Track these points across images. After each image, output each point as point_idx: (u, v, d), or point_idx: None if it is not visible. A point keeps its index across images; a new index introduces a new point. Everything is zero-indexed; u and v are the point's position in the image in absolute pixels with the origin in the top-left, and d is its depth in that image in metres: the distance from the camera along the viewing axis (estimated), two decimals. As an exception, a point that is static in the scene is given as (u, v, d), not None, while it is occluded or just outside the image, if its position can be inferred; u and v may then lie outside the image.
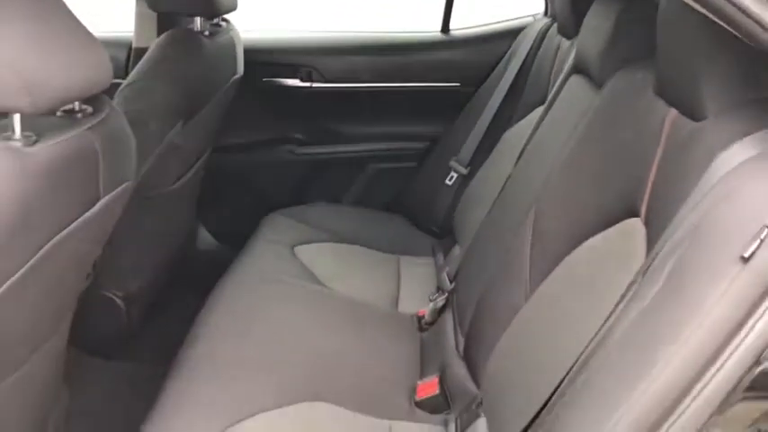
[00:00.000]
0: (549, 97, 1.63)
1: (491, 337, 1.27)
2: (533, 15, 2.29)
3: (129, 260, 1.67)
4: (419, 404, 1.39)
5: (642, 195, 0.99)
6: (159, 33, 1.94)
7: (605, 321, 0.82)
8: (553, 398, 0.84)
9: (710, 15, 0.72)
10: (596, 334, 0.82)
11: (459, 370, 1.39)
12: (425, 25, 2.40)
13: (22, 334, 1.02)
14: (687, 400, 0.63)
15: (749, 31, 0.68)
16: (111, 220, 1.12)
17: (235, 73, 1.86)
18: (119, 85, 1.50)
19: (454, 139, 2.17)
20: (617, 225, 1.05)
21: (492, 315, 1.33)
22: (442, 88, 2.30)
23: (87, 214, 0.99)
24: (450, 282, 1.69)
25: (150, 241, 1.76)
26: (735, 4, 0.67)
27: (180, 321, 1.53)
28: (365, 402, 1.35)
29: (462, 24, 2.38)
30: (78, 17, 0.94)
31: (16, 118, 0.85)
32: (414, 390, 1.42)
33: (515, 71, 2.06)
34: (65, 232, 0.95)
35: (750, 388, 0.63)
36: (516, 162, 1.65)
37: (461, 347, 1.44)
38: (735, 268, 0.64)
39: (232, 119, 2.01)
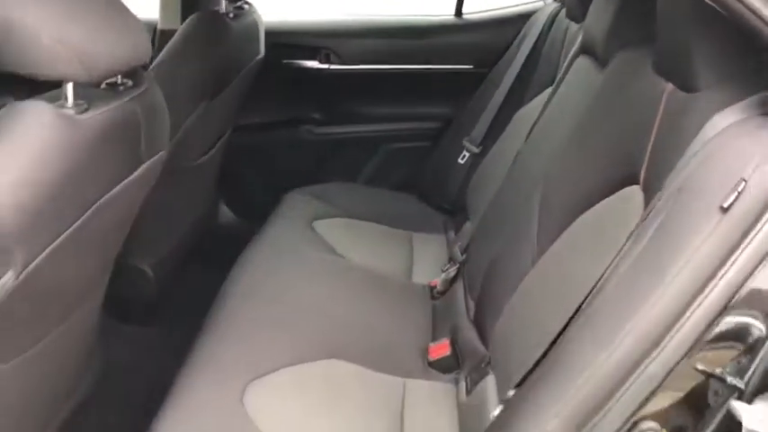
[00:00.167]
0: (558, 78, 1.71)
1: (499, 301, 1.35)
2: (543, 0, 2.36)
3: (156, 232, 1.76)
4: (431, 364, 1.48)
5: (641, 164, 1.07)
6: (184, 16, 2.03)
7: (603, 274, 0.91)
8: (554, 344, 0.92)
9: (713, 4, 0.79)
10: (594, 286, 0.91)
11: (469, 333, 1.48)
12: (438, 9, 2.47)
13: (67, 289, 1.11)
14: (672, 333, 0.71)
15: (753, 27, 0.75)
16: (147, 186, 1.21)
17: (257, 54, 1.95)
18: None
19: (467, 120, 2.25)
20: (618, 192, 1.13)
21: (500, 281, 1.41)
22: (455, 70, 2.37)
23: (130, 178, 1.08)
24: (462, 253, 1.77)
25: (175, 214, 1.85)
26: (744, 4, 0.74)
27: (203, 290, 1.62)
28: (381, 361, 1.44)
29: (475, 8, 2.46)
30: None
31: (69, 87, 0.94)
32: (426, 351, 1.51)
33: (526, 54, 2.13)
34: (110, 194, 1.04)
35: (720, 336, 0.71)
36: (526, 139, 1.73)
37: (471, 312, 1.52)
38: (716, 218, 0.72)
39: (252, 99, 2.09)
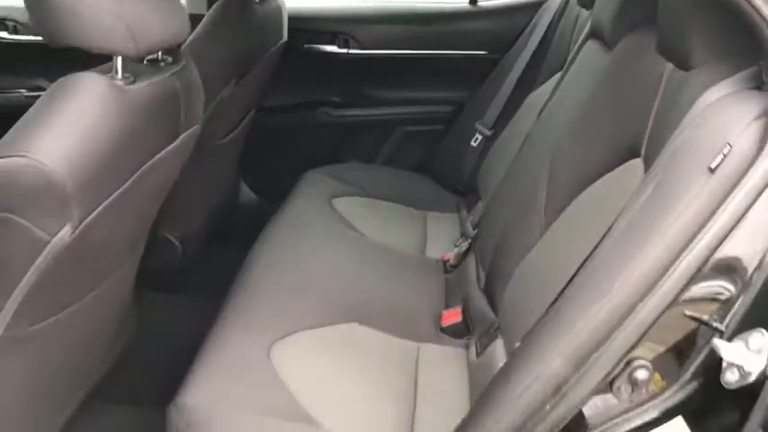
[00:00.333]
0: (568, 62, 1.79)
1: (508, 271, 1.44)
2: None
3: (185, 207, 1.85)
4: (444, 330, 1.57)
5: (642, 138, 1.15)
6: (210, 1, 2.11)
7: (604, 236, 0.99)
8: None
9: None
10: (596, 246, 0.99)
11: (479, 301, 1.56)
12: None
13: (111, 248, 1.21)
14: (661, 282, 0.80)
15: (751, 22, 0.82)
16: (183, 157, 1.30)
17: (280, 38, 2.04)
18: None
19: (480, 104, 2.32)
20: (621, 165, 1.22)
21: (510, 252, 1.49)
22: (469, 56, 2.43)
23: (170, 147, 1.17)
24: (473, 229, 1.86)
25: (202, 191, 1.95)
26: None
27: (227, 262, 1.71)
28: (396, 327, 1.53)
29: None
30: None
31: (119, 60, 1.03)
32: (439, 318, 1.60)
33: (538, 40, 2.20)
34: (153, 160, 1.13)
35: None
36: (536, 121, 1.81)
37: (482, 282, 1.61)
38: (704, 177, 0.80)
39: (274, 82, 2.18)
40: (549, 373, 0.85)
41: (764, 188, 0.78)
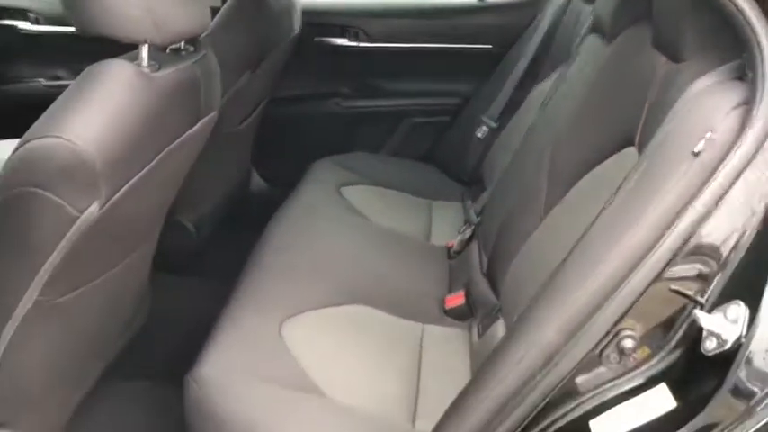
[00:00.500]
0: (570, 55, 1.85)
1: (510, 255, 1.50)
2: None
3: (199, 192, 1.92)
4: (447, 312, 1.64)
5: (637, 127, 1.21)
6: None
7: (597, 217, 1.06)
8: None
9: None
10: (589, 226, 1.05)
11: (482, 285, 1.63)
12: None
13: (133, 226, 1.28)
14: (647, 258, 0.86)
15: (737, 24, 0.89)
16: (201, 141, 1.37)
17: (293, 31, 2.10)
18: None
19: (485, 97, 2.39)
20: (617, 153, 1.28)
21: (511, 237, 1.55)
22: (475, 50, 2.49)
23: (190, 131, 1.24)
24: (477, 216, 1.93)
25: (216, 176, 2.02)
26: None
27: (238, 247, 1.77)
28: (401, 308, 1.60)
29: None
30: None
31: (145, 48, 1.10)
32: (443, 301, 1.67)
33: (542, 35, 2.26)
34: (175, 143, 1.20)
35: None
36: (539, 112, 1.87)
37: (485, 267, 1.68)
38: (687, 162, 0.86)
39: (286, 73, 2.25)
40: (543, 343, 0.92)
41: (743, 172, 0.84)
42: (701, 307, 0.85)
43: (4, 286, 1.09)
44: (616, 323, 0.89)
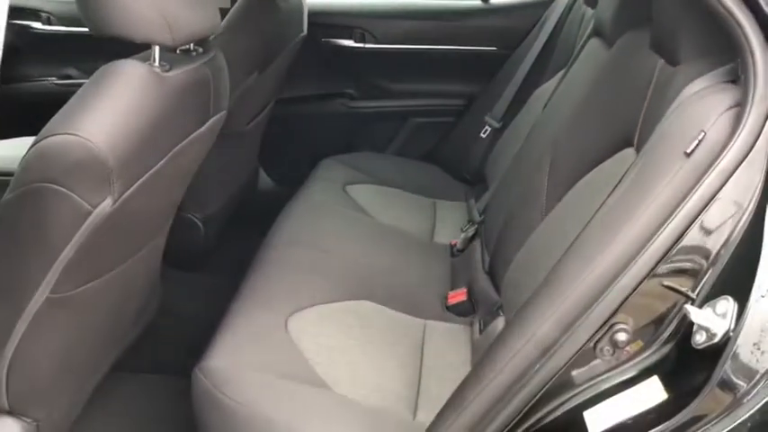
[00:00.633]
0: (572, 58, 1.88)
1: (511, 254, 1.54)
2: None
3: (208, 190, 1.96)
4: (449, 308, 1.67)
5: (635, 129, 1.25)
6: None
7: (594, 215, 1.09)
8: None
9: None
10: (587, 224, 1.08)
11: (484, 283, 1.66)
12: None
13: (144, 222, 1.31)
14: (639, 255, 0.89)
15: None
16: (211, 139, 1.40)
17: (300, 32, 2.14)
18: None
19: (489, 97, 2.42)
20: (616, 154, 1.31)
21: (512, 236, 1.59)
22: (479, 51, 2.52)
23: (200, 130, 1.28)
24: (480, 215, 1.96)
25: (224, 174, 2.05)
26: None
27: (246, 244, 1.82)
28: (404, 304, 1.63)
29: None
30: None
31: (157, 49, 1.13)
32: (445, 298, 1.70)
33: (546, 37, 2.29)
34: (185, 142, 1.24)
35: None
36: (541, 113, 1.90)
37: (487, 265, 1.71)
38: (680, 162, 0.90)
39: (293, 73, 2.28)
40: (539, 335, 0.95)
41: (734, 171, 0.87)
42: (692, 302, 0.88)
43: (19, 280, 1.12)
44: (610, 317, 0.92)
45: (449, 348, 1.55)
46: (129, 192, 1.10)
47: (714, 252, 0.89)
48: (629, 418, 0.91)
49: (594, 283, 0.93)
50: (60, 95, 1.10)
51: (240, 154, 2.14)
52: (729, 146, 0.87)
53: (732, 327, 0.84)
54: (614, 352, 0.93)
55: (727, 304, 0.85)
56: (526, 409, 0.96)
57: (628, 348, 0.92)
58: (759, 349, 0.83)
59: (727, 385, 0.84)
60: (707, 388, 0.85)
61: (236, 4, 1.82)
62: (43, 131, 1.03)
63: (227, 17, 1.78)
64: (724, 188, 0.88)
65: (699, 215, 0.88)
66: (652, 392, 0.90)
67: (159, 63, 1.14)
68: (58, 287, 1.12)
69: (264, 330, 1.43)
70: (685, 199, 0.88)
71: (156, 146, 1.16)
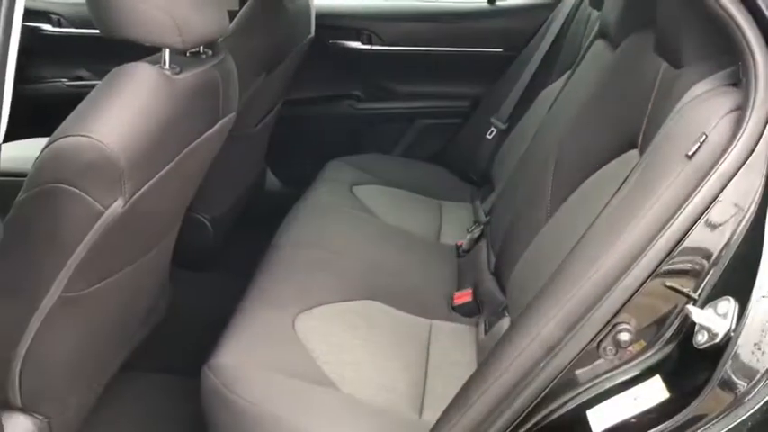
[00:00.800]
0: (577, 59, 1.89)
1: (516, 254, 1.55)
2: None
3: (217, 191, 1.98)
4: (455, 309, 1.68)
5: (639, 131, 1.26)
6: (242, -1, 2.24)
7: (598, 216, 1.10)
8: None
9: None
10: (591, 225, 1.10)
11: (489, 284, 1.67)
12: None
13: (154, 223, 1.33)
14: (642, 256, 0.90)
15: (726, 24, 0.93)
16: (220, 140, 1.42)
17: (308, 34, 2.16)
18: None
19: (495, 99, 2.43)
20: (620, 156, 1.32)
21: (518, 237, 1.60)
22: (486, 53, 2.54)
23: (210, 131, 1.30)
24: (486, 216, 1.97)
25: (233, 175, 2.08)
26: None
27: (253, 244, 1.83)
28: (410, 305, 1.64)
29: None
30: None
31: (167, 52, 1.15)
32: (451, 298, 1.71)
33: (552, 39, 2.30)
34: (194, 143, 1.25)
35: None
36: (546, 115, 1.92)
37: (492, 266, 1.72)
38: (682, 164, 0.91)
39: (301, 75, 2.30)
40: (544, 335, 0.97)
41: (734, 174, 0.88)
42: (694, 302, 0.89)
43: (33, 279, 1.13)
44: (613, 317, 0.93)
45: (454, 348, 1.56)
46: (139, 193, 1.12)
47: (715, 253, 0.90)
48: (632, 417, 0.92)
49: (599, 282, 0.94)
50: (71, 97, 1.12)
51: (248, 155, 2.16)
52: (730, 149, 0.89)
53: (733, 327, 0.85)
54: (617, 351, 0.94)
55: (728, 305, 0.86)
56: (530, 407, 0.97)
57: (630, 348, 0.93)
58: (759, 349, 0.85)
59: (727, 385, 0.85)
60: (708, 387, 0.86)
61: (245, 7, 1.83)
62: (56, 133, 1.05)
63: (235, 19, 1.80)
64: (725, 190, 0.89)
65: (701, 217, 0.90)
66: (654, 392, 0.91)
67: (169, 66, 1.16)
68: (71, 286, 1.14)
69: (272, 330, 1.45)
70: (687, 201, 0.89)
71: (167, 148, 1.17)
